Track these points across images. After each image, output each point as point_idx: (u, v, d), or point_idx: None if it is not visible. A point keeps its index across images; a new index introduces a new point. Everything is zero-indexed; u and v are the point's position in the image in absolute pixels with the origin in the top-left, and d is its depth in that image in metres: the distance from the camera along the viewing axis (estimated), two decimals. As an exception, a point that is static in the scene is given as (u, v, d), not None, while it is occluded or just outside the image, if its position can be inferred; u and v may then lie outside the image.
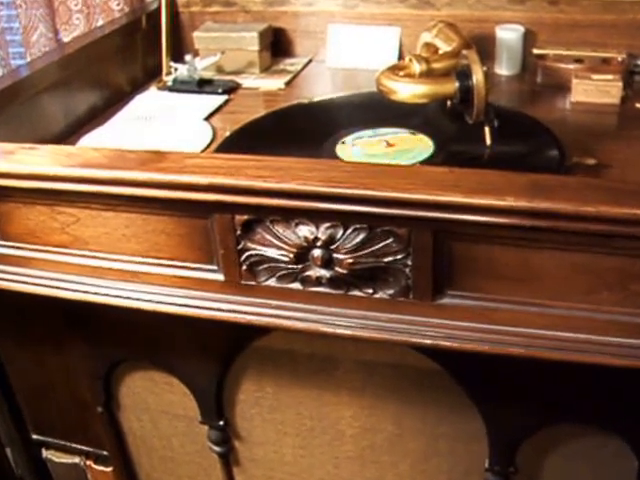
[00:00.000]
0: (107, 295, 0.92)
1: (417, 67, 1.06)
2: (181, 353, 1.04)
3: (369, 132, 1.06)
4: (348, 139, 1.04)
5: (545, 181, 0.75)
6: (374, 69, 1.29)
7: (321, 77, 1.34)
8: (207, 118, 1.20)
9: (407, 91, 1.01)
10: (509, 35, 1.27)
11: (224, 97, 1.25)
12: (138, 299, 0.91)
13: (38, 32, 1.36)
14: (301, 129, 1.10)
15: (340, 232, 0.80)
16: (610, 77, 1.18)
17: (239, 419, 1.09)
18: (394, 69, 1.05)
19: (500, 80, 1.29)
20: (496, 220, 0.73)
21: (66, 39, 1.40)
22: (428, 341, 0.82)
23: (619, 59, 1.23)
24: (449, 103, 1.05)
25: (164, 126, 1.16)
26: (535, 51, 1.27)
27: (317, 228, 0.80)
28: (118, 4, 1.36)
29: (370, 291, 0.83)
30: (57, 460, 1.23)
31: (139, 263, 0.91)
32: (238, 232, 0.83)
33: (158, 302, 0.90)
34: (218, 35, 1.32)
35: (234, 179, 0.79)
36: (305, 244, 0.81)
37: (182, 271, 0.89)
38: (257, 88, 1.29)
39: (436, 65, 1.08)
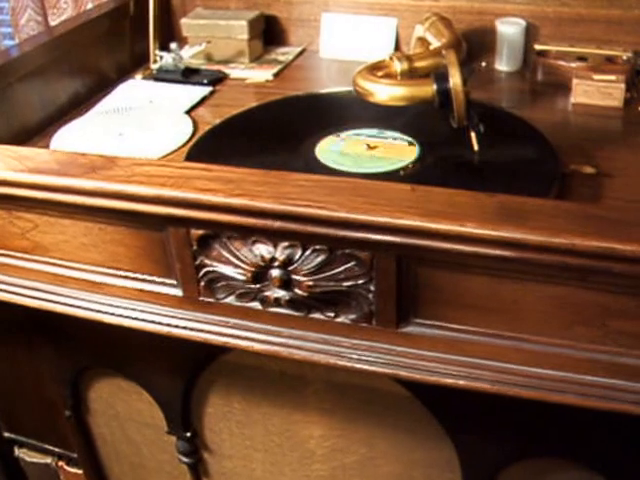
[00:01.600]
0: (66, 305, 0.87)
1: (398, 66, 0.98)
2: (147, 363, 0.98)
3: (353, 132, 0.99)
4: (330, 139, 0.97)
5: (517, 204, 0.67)
6: (369, 61, 1.22)
7: (313, 68, 1.26)
8: (189, 111, 1.12)
9: (384, 93, 0.94)
10: (510, 29, 1.18)
11: (209, 88, 1.17)
12: (98, 311, 0.85)
13: (27, 15, 1.30)
14: (282, 125, 1.03)
15: (299, 253, 0.73)
16: (612, 78, 1.09)
17: (207, 431, 1.03)
18: (372, 69, 0.97)
19: (500, 76, 1.20)
20: (458, 248, 0.66)
21: (54, 23, 1.33)
22: (390, 371, 0.75)
23: (624, 57, 1.13)
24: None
25: (143, 119, 1.09)
26: (537, 47, 1.18)
27: (275, 247, 0.73)
28: (105, -12, 1.29)
29: (331, 315, 0.76)
30: (29, 459, 1.18)
31: (99, 273, 0.85)
32: (194, 247, 0.77)
33: (118, 315, 0.85)
34: (207, 23, 1.24)
35: (181, 191, 0.72)
36: (262, 263, 0.74)
37: (142, 284, 0.83)
38: (244, 79, 1.21)
39: (419, 64, 1.00)
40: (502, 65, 1.20)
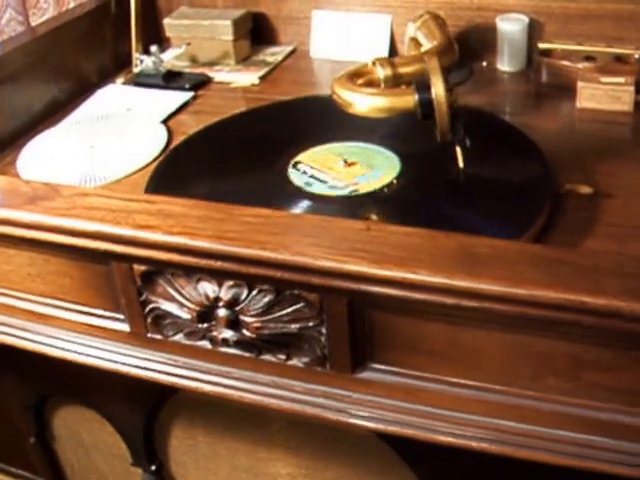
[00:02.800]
0: (14, 336, 0.83)
1: (381, 72, 0.91)
2: (106, 394, 0.93)
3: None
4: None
5: (477, 247, 0.61)
6: (362, 61, 1.16)
7: (302, 70, 1.19)
8: (168, 119, 1.07)
9: (363, 104, 0.87)
10: (512, 27, 1.10)
11: (190, 94, 1.12)
12: (45, 343, 0.81)
13: (7, 15, 1.25)
14: (257, 138, 0.97)
15: (245, 293, 0.67)
16: (621, 80, 1.01)
17: (173, 464, 0.99)
18: (353, 75, 0.91)
19: (501, 77, 1.13)
20: (411, 295, 0.60)
21: (35, 23, 1.29)
22: (346, 419, 0.69)
23: (636, 56, 1.05)
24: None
25: (118, 129, 1.04)
26: (541, 45, 1.10)
27: (219, 286, 0.68)
28: (86, -14, 1.24)
29: (283, 357, 0.70)
30: (-3, 483, 1.16)
31: (46, 305, 0.81)
32: (138, 283, 0.72)
33: (65, 349, 0.80)
34: (190, 23, 1.18)
35: (121, 228, 0.67)
36: (207, 303, 0.69)
37: (89, 317, 0.79)
38: (229, 83, 1.15)
39: (404, 70, 0.92)
40: (504, 65, 1.13)
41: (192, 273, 0.69)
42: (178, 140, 1.01)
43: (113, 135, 1.03)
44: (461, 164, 0.86)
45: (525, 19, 1.10)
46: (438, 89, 0.82)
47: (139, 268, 0.71)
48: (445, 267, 0.58)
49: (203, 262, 0.66)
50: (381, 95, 0.87)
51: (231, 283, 0.67)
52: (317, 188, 0.85)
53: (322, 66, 1.20)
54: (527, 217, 0.77)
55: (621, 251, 0.74)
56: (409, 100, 0.85)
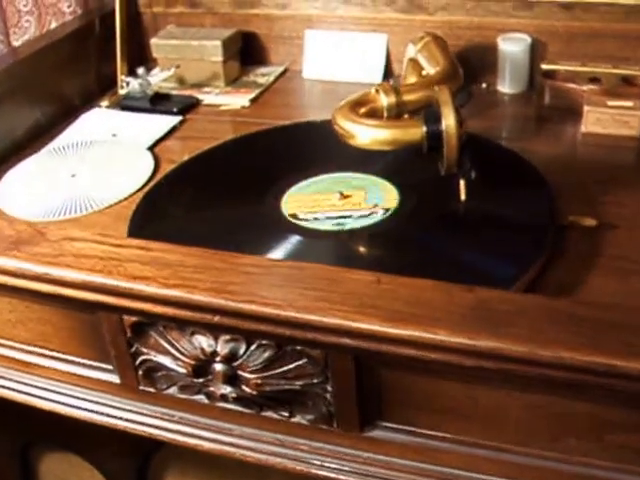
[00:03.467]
0: (-4, 385, 0.78)
1: (384, 100, 0.86)
2: (96, 442, 0.89)
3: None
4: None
5: (496, 303, 0.57)
6: (357, 82, 1.12)
7: (295, 92, 1.15)
8: (155, 145, 1.02)
9: (366, 136, 0.82)
10: (514, 48, 1.06)
11: (178, 118, 1.07)
12: (29, 393, 0.77)
13: (-13, 34, 1.20)
14: (248, 168, 0.92)
15: (243, 347, 0.63)
16: (629, 104, 0.97)
17: (167, 514, 0.94)
18: (354, 104, 0.86)
19: (502, 100, 1.09)
20: (427, 355, 0.55)
21: (16, 43, 1.24)
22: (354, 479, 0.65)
23: (643, 78, 1.01)
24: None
25: (101, 157, 1.00)
26: (544, 66, 1.06)
27: (216, 340, 0.64)
28: (69, 5, 1.19)
29: (286, 414, 0.66)
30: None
31: (29, 352, 0.76)
32: (128, 334, 0.67)
33: (50, 400, 0.76)
34: (178, 43, 1.14)
35: (112, 278, 0.62)
36: (203, 357, 0.65)
37: (75, 367, 0.75)
38: (218, 105, 1.11)
39: (408, 97, 0.88)
40: (505, 87, 1.09)
41: (186, 326, 0.64)
42: (165, 168, 0.96)
43: (97, 163, 0.98)
44: (463, 197, 0.82)
45: (527, 39, 1.06)
46: (449, 121, 0.78)
47: (129, 319, 0.66)
48: (464, 326, 0.54)
49: (200, 316, 0.61)
50: (385, 127, 0.83)
51: (228, 337, 0.63)
52: (311, 223, 0.80)
53: (315, 87, 1.15)
54: (529, 254, 0.74)
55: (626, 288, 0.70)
56: (416, 132, 0.80)
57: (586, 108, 0.98)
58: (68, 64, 1.14)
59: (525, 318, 0.55)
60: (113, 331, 0.68)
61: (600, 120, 0.98)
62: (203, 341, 0.64)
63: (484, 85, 1.10)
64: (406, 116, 0.90)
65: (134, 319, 0.66)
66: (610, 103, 0.98)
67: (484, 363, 0.54)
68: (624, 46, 1.03)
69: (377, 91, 0.88)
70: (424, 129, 0.80)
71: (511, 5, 1.07)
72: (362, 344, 0.57)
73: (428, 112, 0.81)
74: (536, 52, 1.07)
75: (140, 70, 1.10)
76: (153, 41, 1.15)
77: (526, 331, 0.53)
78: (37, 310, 0.72)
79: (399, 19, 1.11)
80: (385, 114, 0.87)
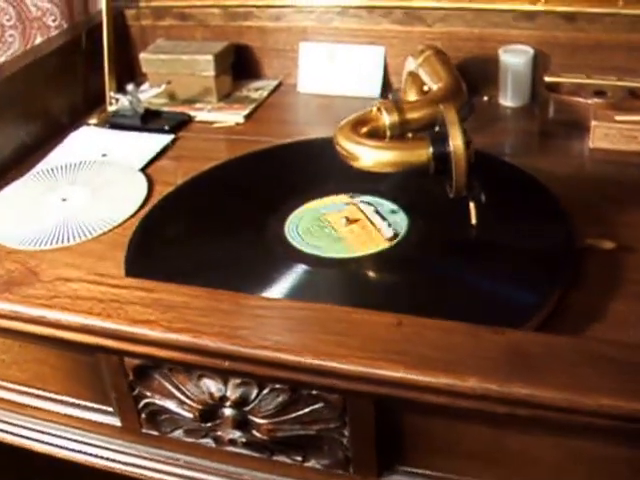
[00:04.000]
0: (-9, 428, 0.73)
1: (387, 119, 0.83)
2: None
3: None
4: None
5: (528, 346, 0.53)
6: (353, 96, 1.09)
7: (290, 107, 1.11)
8: (148, 165, 0.98)
9: (370, 158, 0.79)
10: (516, 60, 1.03)
11: (170, 137, 1.03)
12: (26, 437, 0.73)
13: (-29, 50, 1.16)
14: (248, 191, 0.89)
15: (254, 392, 0.59)
16: (638, 118, 0.94)
17: None
18: (356, 124, 0.82)
19: (504, 113, 1.05)
20: (455, 403, 0.52)
21: (1, 59, 1.19)
22: (374, 529, 0.61)
23: (651, 90, 0.99)
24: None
25: (92, 179, 0.95)
26: (547, 79, 1.03)
27: (225, 384, 0.60)
28: (54, 19, 1.14)
29: (299, 459, 0.62)
30: None
31: (25, 394, 0.72)
32: (130, 377, 0.63)
33: (48, 443, 0.72)
34: (168, 58, 1.09)
35: (112, 322, 0.58)
36: (211, 401, 0.61)
37: (73, 409, 0.71)
38: (212, 123, 1.07)
39: (411, 115, 0.84)
40: (507, 100, 1.06)
41: (193, 369, 0.60)
42: (159, 190, 0.92)
43: (88, 186, 0.94)
44: (474, 221, 0.78)
45: (530, 51, 1.03)
46: (457, 142, 0.74)
47: (131, 361, 0.62)
48: (496, 372, 0.51)
49: (209, 361, 0.57)
50: (390, 149, 0.79)
51: (238, 381, 0.59)
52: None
53: (310, 102, 1.11)
54: (550, 281, 0.70)
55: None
56: (422, 154, 0.77)
57: (593, 123, 0.94)
58: (54, 81, 1.09)
59: (561, 362, 0.51)
60: (114, 373, 0.64)
61: (608, 135, 0.94)
62: (212, 385, 0.60)
63: (485, 98, 1.07)
64: (410, 135, 0.87)
65: (136, 362, 0.62)
66: (618, 118, 0.95)
67: (518, 411, 0.51)
68: (629, 57, 1.01)
69: (379, 109, 0.84)
70: (430, 150, 0.76)
71: (512, 16, 1.03)
72: (385, 391, 0.53)
73: (433, 133, 0.78)
74: (538, 64, 1.04)
75: (130, 87, 1.06)
76: (142, 56, 1.11)
77: (563, 377, 0.50)
78: (32, 350, 0.68)
79: (397, 31, 1.08)
80: (388, 133, 0.84)
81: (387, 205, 0.82)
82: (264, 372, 0.56)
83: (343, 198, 0.85)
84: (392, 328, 0.55)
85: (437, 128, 0.79)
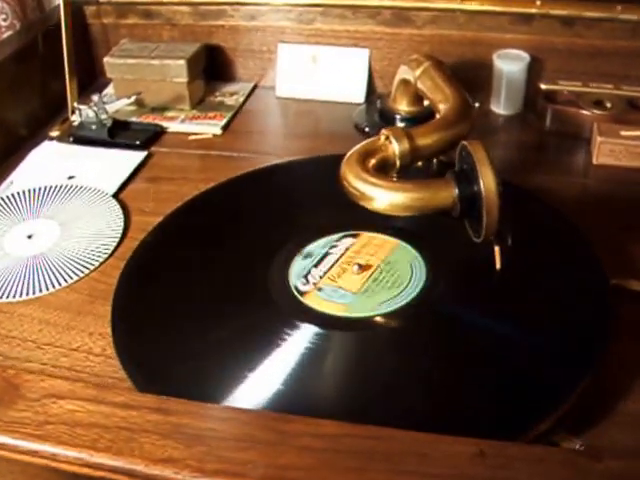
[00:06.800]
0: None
1: (396, 147, 0.67)
2: None
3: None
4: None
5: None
6: (336, 101, 0.93)
7: (269, 114, 0.94)
8: (120, 189, 0.81)
9: (385, 200, 0.63)
10: (511, 66, 0.88)
11: (143, 153, 0.86)
12: None
13: None
14: (240, 227, 0.73)
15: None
16: (645, 133, 0.81)
17: None
18: (363, 155, 0.67)
19: (497, 122, 0.91)
20: None
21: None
22: None
23: (652, 100, 0.86)
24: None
25: (59, 210, 0.78)
26: (543, 86, 0.89)
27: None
28: (5, 18, 0.93)
29: None
30: None
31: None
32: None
33: None
34: (136, 62, 0.91)
35: (124, 461, 0.43)
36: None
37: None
38: (187, 135, 0.89)
39: (422, 141, 0.69)
40: (500, 107, 0.91)
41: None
42: (136, 221, 0.76)
43: (55, 219, 0.77)
44: (498, 266, 0.64)
45: (526, 57, 0.88)
46: (489, 185, 0.60)
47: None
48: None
49: (247, 506, 0.42)
50: (409, 191, 0.63)
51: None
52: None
53: (290, 108, 0.95)
54: (597, 333, 0.58)
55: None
56: (447, 197, 0.62)
57: (599, 139, 0.81)
58: (10, 90, 0.89)
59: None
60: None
61: (613, 152, 0.82)
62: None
63: (477, 104, 0.92)
64: (420, 164, 0.72)
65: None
66: (624, 133, 0.81)
67: None
68: (628, 65, 0.88)
69: (387, 138, 0.68)
70: (456, 192, 0.62)
71: (507, 19, 0.88)
72: None
73: (459, 172, 0.63)
74: (532, 69, 0.90)
75: (95, 97, 0.87)
76: (107, 60, 0.92)
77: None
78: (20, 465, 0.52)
79: (383, 33, 0.92)
80: (398, 163, 0.68)
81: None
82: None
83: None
84: (475, 460, 0.42)
85: (458, 165, 0.65)
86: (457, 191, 0.62)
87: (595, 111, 0.85)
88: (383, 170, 0.67)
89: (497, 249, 0.64)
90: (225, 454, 0.42)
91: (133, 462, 0.43)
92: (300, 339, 0.58)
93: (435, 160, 0.78)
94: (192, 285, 0.65)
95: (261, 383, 0.54)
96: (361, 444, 0.43)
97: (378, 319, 0.60)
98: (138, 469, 0.43)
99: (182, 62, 0.89)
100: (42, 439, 0.44)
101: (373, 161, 0.67)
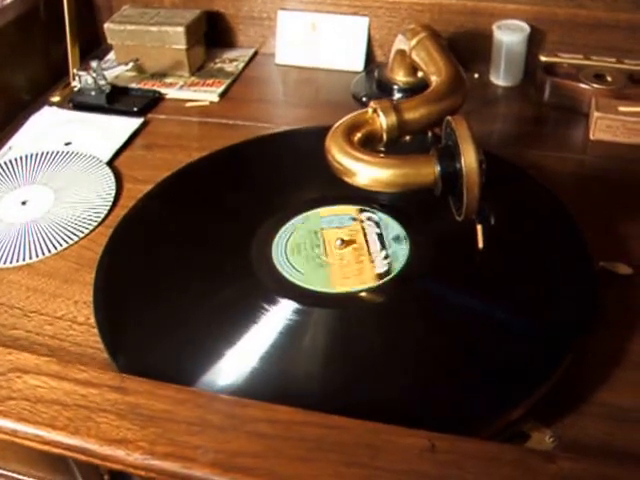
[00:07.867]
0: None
1: (384, 120, 0.64)
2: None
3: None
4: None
5: (582, 475, 0.38)
6: (335, 69, 0.90)
7: (268, 81, 0.91)
8: (115, 155, 0.79)
9: (367, 176, 0.61)
10: (512, 37, 0.84)
11: (140, 120, 0.83)
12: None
13: None
14: (225, 203, 0.70)
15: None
16: (643, 109, 0.77)
17: None
18: (349, 128, 0.64)
19: (495, 93, 0.87)
20: None
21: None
22: None
23: (654, 75, 0.81)
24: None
25: (54, 176, 0.76)
26: (543, 58, 0.85)
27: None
28: (6, -18, 0.91)
29: None
30: None
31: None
32: (106, 478, 0.47)
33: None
34: (135, 29, 0.88)
35: (80, 440, 0.42)
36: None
37: (40, 486, 0.54)
38: (184, 101, 0.87)
39: (410, 115, 0.66)
40: (499, 78, 0.87)
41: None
42: (128, 189, 0.74)
43: (50, 186, 0.75)
44: (481, 245, 0.62)
45: (527, 28, 0.84)
46: (470, 160, 0.57)
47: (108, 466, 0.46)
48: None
49: (201, 489, 0.41)
50: (392, 167, 0.60)
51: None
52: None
53: (289, 75, 0.92)
54: (578, 319, 0.55)
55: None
56: (428, 174, 0.59)
57: (596, 115, 0.77)
58: (12, 56, 0.87)
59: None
60: (87, 474, 0.48)
61: (611, 127, 0.78)
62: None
63: (476, 75, 0.89)
64: (408, 138, 0.69)
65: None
66: (622, 109, 0.77)
67: None
68: (631, 38, 0.83)
69: (375, 110, 0.65)
70: (437, 169, 0.59)
71: (509, -11, 0.84)
72: None
73: (441, 149, 0.60)
74: (532, 40, 0.85)
75: (94, 63, 0.84)
76: (107, 26, 0.89)
77: None
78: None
79: (384, 1, 0.88)
80: (385, 137, 0.66)
81: (394, 229, 0.65)
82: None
83: (352, 210, 0.67)
84: (425, 455, 0.40)
85: (443, 141, 0.62)
86: (439, 168, 0.59)
87: (594, 85, 0.81)
88: (370, 144, 0.65)
89: (479, 228, 0.61)
90: (177, 437, 0.41)
91: (88, 441, 0.42)
92: (280, 314, 0.56)
93: (430, 133, 0.75)
94: (175, 257, 0.64)
95: (240, 358, 0.52)
96: (312, 432, 0.41)
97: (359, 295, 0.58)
98: (92, 448, 0.42)
99: (181, 29, 0.86)
100: (3, 415, 0.43)
101: (359, 135, 0.64)
